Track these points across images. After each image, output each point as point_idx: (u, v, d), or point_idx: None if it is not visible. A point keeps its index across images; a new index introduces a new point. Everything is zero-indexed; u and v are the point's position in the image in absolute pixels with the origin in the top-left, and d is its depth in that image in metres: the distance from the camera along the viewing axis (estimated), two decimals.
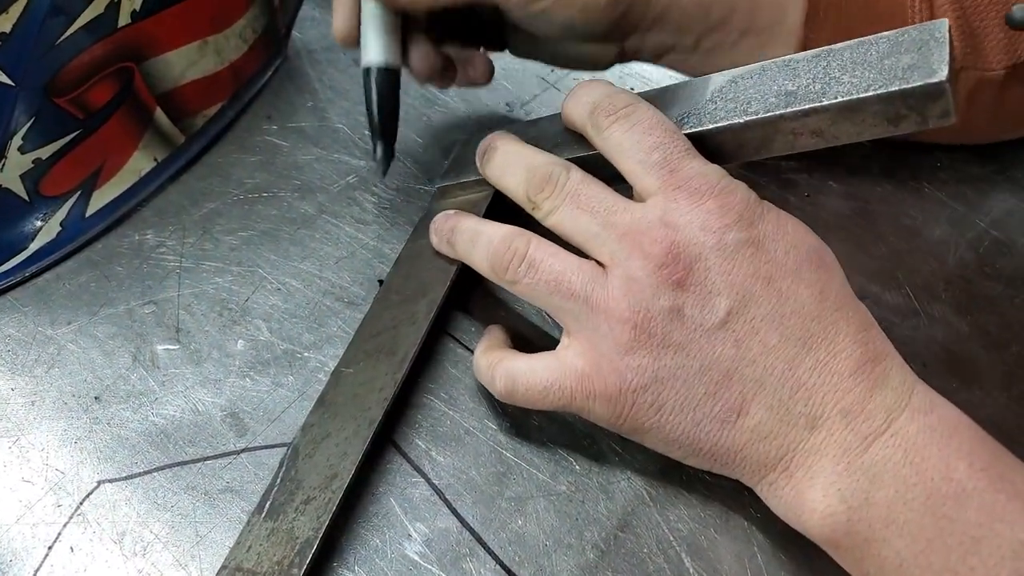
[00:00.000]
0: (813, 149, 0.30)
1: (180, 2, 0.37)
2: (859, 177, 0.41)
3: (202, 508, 0.30)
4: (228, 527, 0.30)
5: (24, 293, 0.36)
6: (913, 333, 0.35)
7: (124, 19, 0.35)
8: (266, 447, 0.32)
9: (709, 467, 0.29)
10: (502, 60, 0.40)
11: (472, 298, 0.37)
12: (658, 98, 0.32)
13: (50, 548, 0.29)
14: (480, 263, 0.31)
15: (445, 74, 0.38)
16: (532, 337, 0.35)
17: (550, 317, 0.35)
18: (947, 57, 0.26)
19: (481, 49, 0.40)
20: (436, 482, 0.31)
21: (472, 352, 0.34)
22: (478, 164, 0.34)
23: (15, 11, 0.31)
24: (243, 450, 0.32)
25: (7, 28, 0.31)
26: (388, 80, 0.35)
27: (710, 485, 0.31)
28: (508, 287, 0.30)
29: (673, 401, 0.27)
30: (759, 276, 0.27)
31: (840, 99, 0.28)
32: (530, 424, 0.33)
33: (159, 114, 0.39)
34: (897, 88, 0.27)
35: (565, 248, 0.30)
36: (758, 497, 0.28)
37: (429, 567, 0.29)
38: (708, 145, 0.31)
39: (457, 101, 0.45)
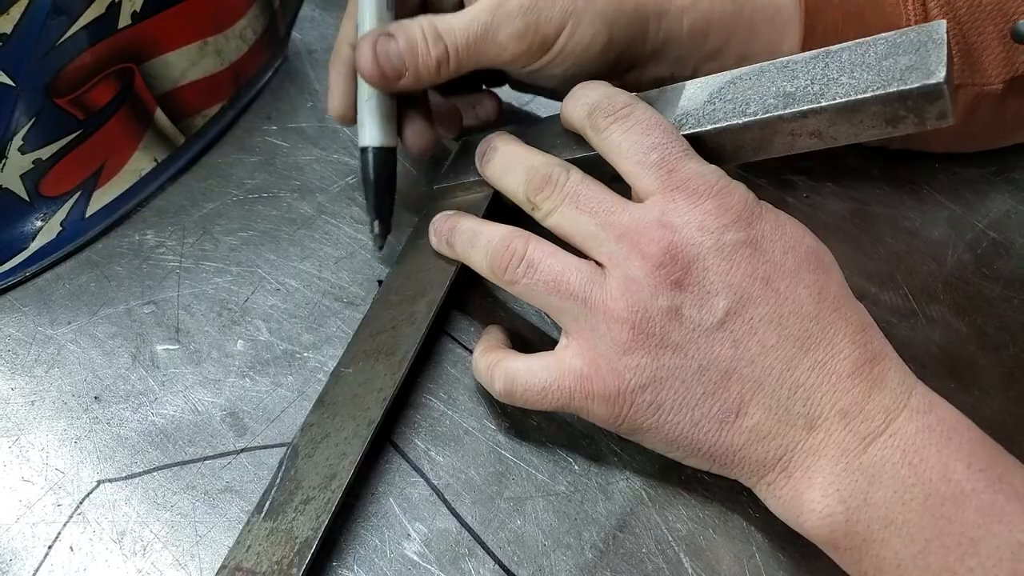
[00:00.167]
0: (812, 150, 0.30)
1: (180, 3, 0.37)
2: (858, 178, 0.41)
3: (201, 508, 0.30)
4: (227, 527, 0.30)
5: (24, 293, 0.36)
6: (911, 334, 0.36)
7: (125, 20, 0.35)
8: (265, 447, 0.32)
9: (708, 467, 0.29)
10: None
11: (471, 298, 0.37)
12: (657, 99, 0.32)
13: (50, 548, 0.29)
14: (479, 263, 0.31)
15: (451, 121, 0.38)
16: (531, 337, 0.35)
17: (549, 317, 0.35)
18: (945, 58, 0.26)
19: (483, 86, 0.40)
20: (435, 482, 0.31)
21: (471, 352, 0.34)
22: (477, 165, 0.35)
23: (16, 12, 0.31)
24: (242, 450, 0.32)
25: (8, 29, 0.31)
26: (385, 159, 0.35)
27: (709, 485, 0.31)
28: (507, 287, 0.30)
29: (671, 401, 0.28)
30: (757, 276, 0.27)
31: (838, 100, 0.28)
32: (529, 424, 0.33)
33: (159, 114, 0.39)
34: (895, 89, 0.27)
35: (564, 249, 0.30)
36: (757, 497, 0.28)
37: (428, 567, 0.29)
38: (707, 146, 0.31)
39: None
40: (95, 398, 0.33)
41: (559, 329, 0.30)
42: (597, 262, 0.29)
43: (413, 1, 0.36)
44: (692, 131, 0.31)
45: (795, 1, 0.35)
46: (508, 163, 0.33)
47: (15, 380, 0.34)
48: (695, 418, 0.27)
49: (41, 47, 0.33)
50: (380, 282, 0.37)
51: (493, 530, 0.30)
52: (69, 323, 0.35)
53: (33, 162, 0.35)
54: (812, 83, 0.29)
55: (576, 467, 0.32)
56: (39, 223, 0.37)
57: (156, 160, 0.40)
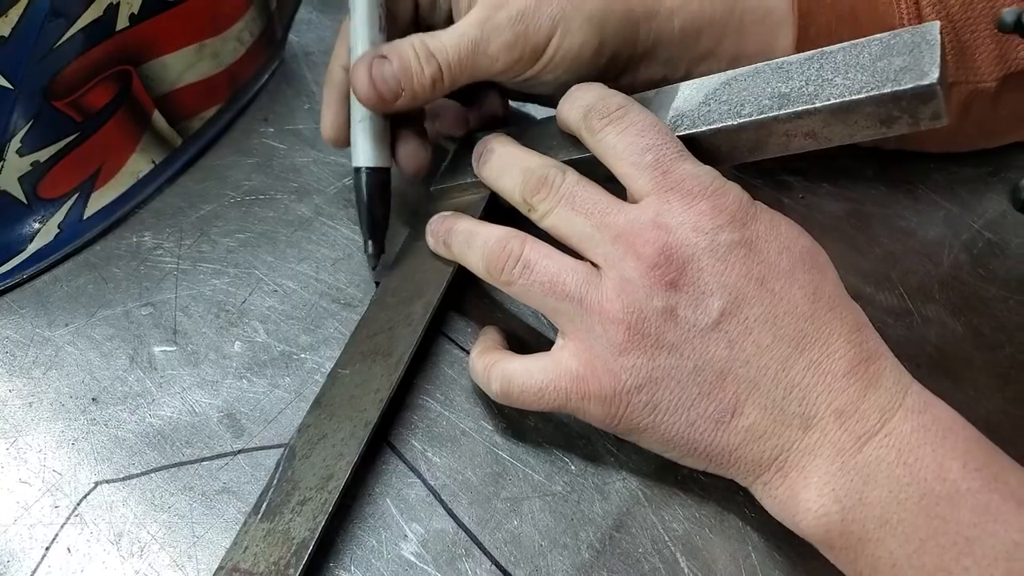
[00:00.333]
0: (807, 151, 0.30)
1: (178, 5, 0.37)
2: (853, 178, 0.41)
3: (199, 509, 0.30)
4: (225, 528, 0.30)
5: (22, 295, 0.37)
6: (907, 334, 0.36)
7: (122, 22, 0.35)
8: (263, 448, 0.32)
9: (704, 467, 0.29)
10: None
11: (468, 299, 0.37)
12: (652, 101, 0.33)
13: (47, 549, 0.29)
14: (475, 264, 0.32)
15: (458, 122, 0.38)
16: (528, 338, 0.35)
17: (545, 318, 0.35)
18: (938, 59, 0.27)
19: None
20: (432, 483, 0.31)
21: (468, 353, 0.34)
22: (474, 166, 0.35)
23: (14, 14, 0.31)
24: (240, 451, 0.32)
25: (6, 31, 0.31)
26: (378, 179, 0.35)
27: (705, 485, 0.31)
28: (503, 288, 0.31)
29: (667, 401, 0.28)
30: (752, 277, 0.27)
31: (833, 101, 0.28)
32: (526, 425, 0.33)
33: (157, 116, 0.39)
34: (889, 90, 0.27)
35: (560, 250, 0.30)
36: (753, 497, 0.28)
37: (425, 567, 0.29)
38: (702, 147, 0.31)
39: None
40: (93, 400, 0.33)
41: (555, 330, 0.30)
42: (593, 263, 0.29)
43: (404, 19, 0.36)
44: (687, 132, 0.31)
45: (788, 3, 0.35)
46: (504, 164, 0.33)
47: (13, 382, 0.34)
48: (691, 418, 0.28)
49: (39, 50, 0.33)
50: (377, 283, 0.37)
51: (490, 530, 0.30)
52: (67, 325, 0.35)
53: (31, 164, 0.35)
54: (807, 84, 0.29)
55: (573, 467, 0.32)
56: (37, 225, 0.37)
57: (154, 162, 0.40)
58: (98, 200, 0.38)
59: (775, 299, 0.27)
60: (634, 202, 0.29)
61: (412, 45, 0.33)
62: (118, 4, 0.35)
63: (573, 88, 0.32)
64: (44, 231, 0.37)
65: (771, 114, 0.29)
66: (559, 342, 0.30)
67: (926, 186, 0.41)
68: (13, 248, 0.36)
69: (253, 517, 0.29)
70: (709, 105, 0.31)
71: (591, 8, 0.32)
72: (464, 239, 0.32)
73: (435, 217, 0.35)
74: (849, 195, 0.41)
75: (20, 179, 0.35)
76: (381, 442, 0.32)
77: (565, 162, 0.32)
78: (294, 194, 0.41)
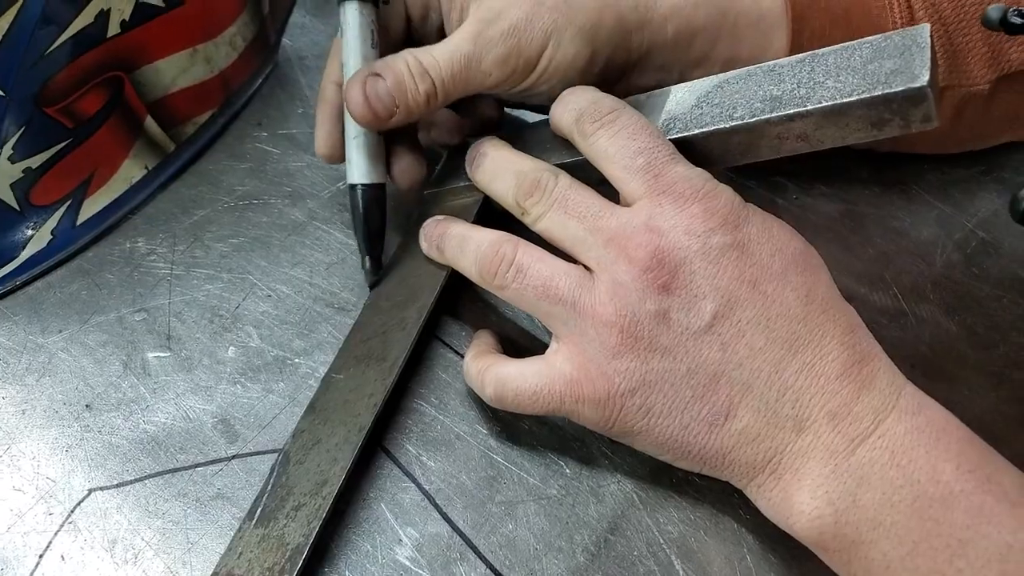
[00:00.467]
0: (799, 153, 0.30)
1: (170, 11, 0.37)
2: (846, 180, 0.41)
3: (193, 515, 0.30)
4: (219, 534, 0.30)
5: (15, 302, 0.36)
6: (901, 334, 0.36)
7: (114, 29, 0.35)
8: (257, 453, 0.32)
9: (698, 469, 0.29)
10: None
11: (462, 303, 0.37)
12: (644, 104, 0.33)
13: (41, 557, 0.29)
14: (468, 268, 0.32)
15: (454, 129, 0.38)
16: (522, 341, 0.35)
17: (539, 321, 0.35)
18: (929, 62, 0.27)
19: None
20: (426, 487, 0.31)
21: (462, 357, 0.34)
22: (467, 170, 0.35)
23: (4, 21, 0.31)
24: (234, 457, 0.32)
25: None
26: (374, 196, 0.35)
27: (700, 487, 0.31)
28: (496, 292, 0.31)
29: (661, 404, 0.28)
30: (744, 279, 0.27)
31: (824, 104, 0.28)
32: (520, 428, 0.33)
33: (150, 122, 0.39)
34: (880, 93, 0.27)
35: (553, 253, 0.30)
36: (747, 499, 0.28)
37: (420, 572, 0.29)
38: (694, 150, 0.31)
39: None
40: (86, 406, 0.33)
41: (549, 333, 0.30)
42: (586, 267, 0.29)
43: (396, 33, 0.36)
44: (679, 135, 0.31)
45: (781, 6, 0.35)
46: (498, 168, 0.33)
47: (6, 389, 0.34)
48: (684, 421, 0.28)
49: (30, 56, 0.33)
50: (372, 287, 0.37)
51: (485, 534, 0.30)
52: (60, 331, 0.35)
53: (23, 171, 0.35)
54: (798, 87, 0.29)
55: (567, 470, 0.32)
56: (29, 232, 0.37)
57: (147, 168, 0.40)
58: (91, 206, 0.38)
59: (768, 301, 0.27)
60: (626, 205, 0.29)
61: (405, 61, 0.33)
62: (109, 10, 0.35)
63: (565, 92, 0.32)
64: (37, 237, 0.37)
65: (763, 117, 0.29)
66: (553, 346, 0.30)
67: (919, 186, 0.41)
68: (6, 255, 0.36)
69: (248, 523, 0.29)
70: (701, 108, 0.31)
71: (583, 19, 0.32)
72: (457, 243, 0.32)
73: (428, 221, 0.35)
74: (842, 196, 0.41)
75: (12, 186, 0.35)
76: (375, 447, 0.32)
77: (558, 165, 0.32)
78: (288, 198, 0.41)
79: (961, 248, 0.39)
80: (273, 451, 0.32)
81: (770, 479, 0.27)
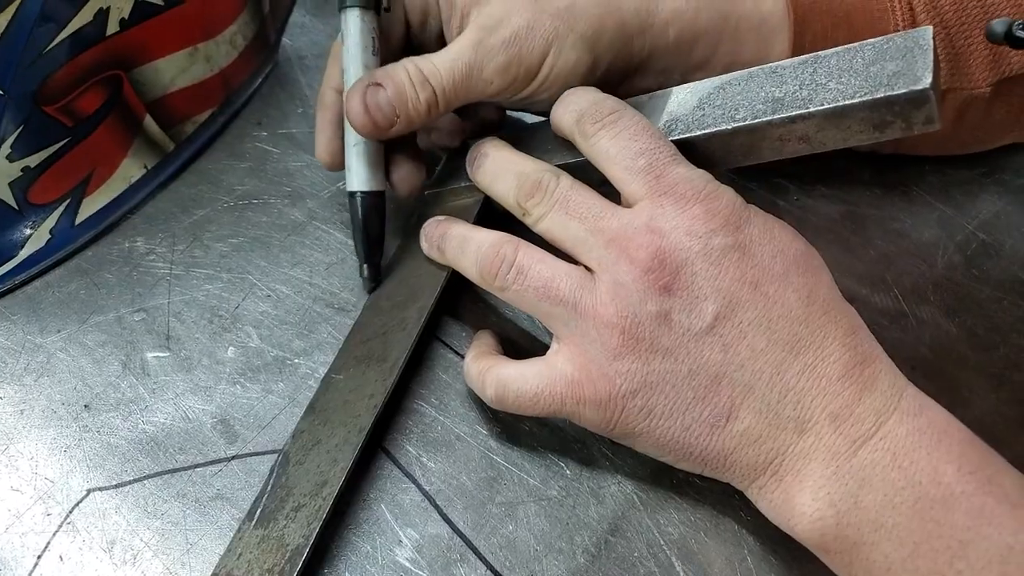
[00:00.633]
0: (801, 155, 0.30)
1: (169, 10, 0.37)
2: (848, 181, 0.41)
3: (192, 516, 0.30)
4: (218, 534, 0.30)
5: (13, 301, 0.36)
6: (902, 335, 0.36)
7: (113, 27, 0.35)
8: (256, 454, 0.32)
9: (699, 471, 0.29)
10: None
11: (462, 303, 0.37)
12: (645, 105, 0.33)
13: (39, 557, 0.29)
14: (469, 269, 0.31)
15: (455, 132, 0.38)
16: (522, 342, 0.35)
17: (540, 322, 0.35)
18: (931, 64, 0.27)
19: None
20: (427, 488, 0.31)
21: (463, 357, 0.34)
22: (468, 170, 0.35)
23: (3, 19, 0.31)
24: (233, 457, 0.32)
25: None
26: (373, 203, 0.35)
27: (700, 489, 0.31)
28: (497, 293, 0.30)
29: (662, 406, 0.28)
30: (746, 281, 0.27)
31: (826, 105, 0.28)
32: (521, 429, 0.33)
33: (149, 121, 0.39)
34: (882, 95, 0.27)
35: (555, 254, 0.30)
36: (748, 501, 0.28)
37: (420, 573, 0.29)
38: (696, 151, 0.31)
39: None
40: (85, 406, 0.33)
41: (550, 334, 0.30)
42: (587, 268, 0.29)
43: (396, 39, 0.36)
44: (681, 136, 0.31)
45: (783, 10, 0.35)
46: (499, 169, 0.33)
47: (4, 389, 0.33)
48: (686, 422, 0.27)
49: (28, 54, 0.33)
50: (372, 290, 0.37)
51: (485, 535, 0.30)
52: (59, 331, 0.35)
53: (21, 170, 0.35)
54: (800, 88, 0.29)
55: (568, 472, 0.32)
56: (28, 231, 0.37)
57: (146, 167, 0.40)
58: (90, 205, 0.38)
59: (769, 303, 0.27)
60: (628, 206, 0.29)
61: (406, 70, 0.32)
62: (108, 9, 0.35)
63: (567, 92, 0.32)
64: (35, 237, 0.37)
65: (765, 118, 0.29)
66: (554, 347, 0.30)
67: (920, 188, 0.41)
68: (4, 254, 0.36)
69: (247, 524, 0.29)
70: (703, 109, 0.31)
71: (584, 26, 0.32)
72: (458, 244, 0.32)
73: (429, 221, 0.35)
74: (844, 197, 0.41)
75: (11, 185, 0.35)
76: (375, 447, 0.32)
77: (559, 166, 0.32)
78: (287, 198, 0.40)
79: (962, 250, 0.39)
80: (273, 452, 0.32)
81: (771, 481, 0.27)
